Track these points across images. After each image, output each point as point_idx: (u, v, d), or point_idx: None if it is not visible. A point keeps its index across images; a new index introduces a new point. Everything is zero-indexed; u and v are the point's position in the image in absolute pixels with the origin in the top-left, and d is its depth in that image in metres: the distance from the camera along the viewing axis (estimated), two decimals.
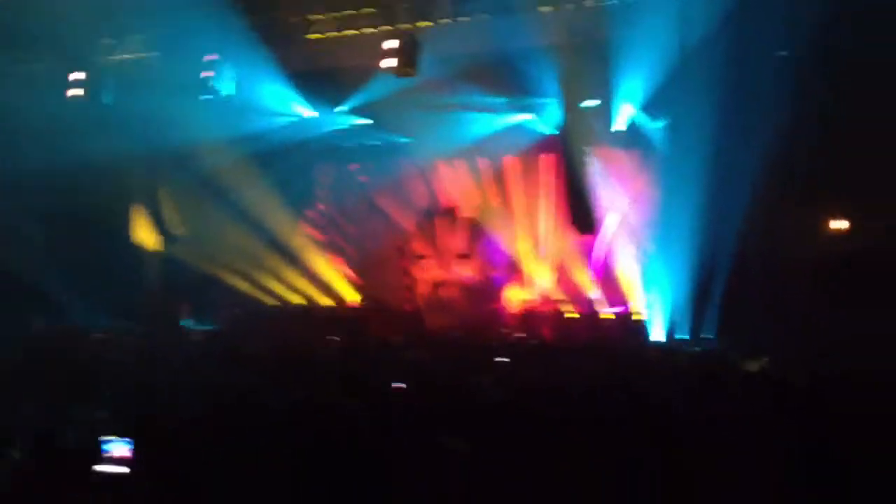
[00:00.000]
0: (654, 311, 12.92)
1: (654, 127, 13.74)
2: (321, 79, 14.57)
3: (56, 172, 13.72)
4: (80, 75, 14.40)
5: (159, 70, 14.27)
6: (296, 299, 15.94)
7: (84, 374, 8.21)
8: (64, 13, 13.12)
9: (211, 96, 13.92)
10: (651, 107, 13.43)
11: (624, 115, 13.84)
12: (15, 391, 7.11)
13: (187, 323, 14.52)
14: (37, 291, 13.99)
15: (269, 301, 15.86)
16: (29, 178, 13.85)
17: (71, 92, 14.43)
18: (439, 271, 15.86)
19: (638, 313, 13.66)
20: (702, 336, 12.01)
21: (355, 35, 13.92)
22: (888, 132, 10.53)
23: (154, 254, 16.29)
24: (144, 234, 16.26)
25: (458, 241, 15.92)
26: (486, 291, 15.37)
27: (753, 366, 8.88)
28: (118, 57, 14.62)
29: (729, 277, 11.91)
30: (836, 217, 12.42)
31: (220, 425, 5.76)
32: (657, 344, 12.27)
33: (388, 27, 13.66)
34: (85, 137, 13.94)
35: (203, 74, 14.01)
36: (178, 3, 12.68)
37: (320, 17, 13.97)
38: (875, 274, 10.80)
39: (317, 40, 14.10)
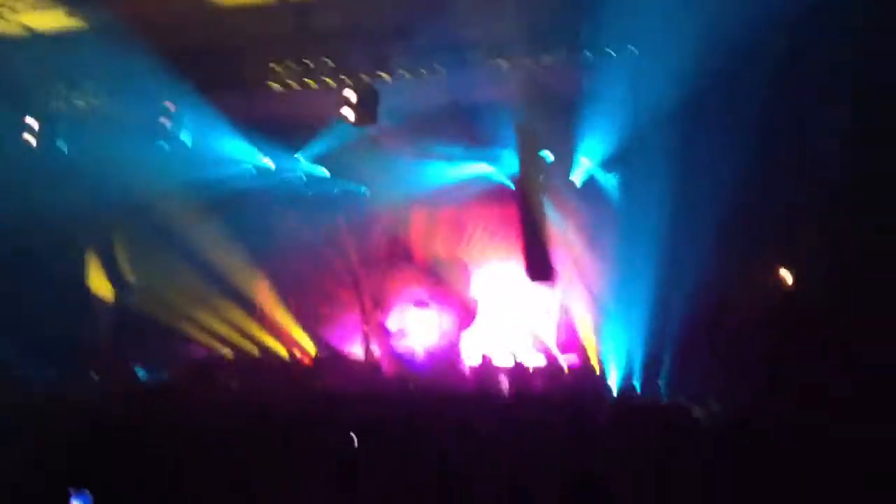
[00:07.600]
0: (611, 361, 12.99)
1: (611, 181, 13.94)
2: (279, 127, 14.63)
3: (8, 219, 13.51)
4: (34, 123, 14.27)
5: (115, 117, 14.19)
6: (251, 349, 15.67)
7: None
8: (16, 61, 13.10)
9: (167, 143, 13.86)
10: (608, 162, 13.71)
11: (581, 168, 14.06)
12: None
13: (140, 372, 14.21)
14: None
15: (224, 351, 15.58)
16: None
17: (25, 139, 14.32)
18: (397, 321, 15.72)
19: (595, 364, 13.67)
20: (657, 384, 12.11)
21: (314, 85, 14.03)
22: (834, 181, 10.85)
23: (108, 302, 16.01)
24: (98, 282, 15.97)
25: (415, 291, 15.82)
26: (445, 341, 15.30)
27: (702, 412, 9.23)
28: (72, 103, 14.49)
29: (681, 327, 12.08)
30: (783, 267, 12.63)
31: None
32: (617, 394, 12.30)
33: (347, 78, 13.83)
34: (39, 185, 13.78)
35: (159, 121, 13.99)
36: (134, 52, 12.64)
37: (279, 68, 14.03)
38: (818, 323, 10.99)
39: (276, 90, 14.16)
